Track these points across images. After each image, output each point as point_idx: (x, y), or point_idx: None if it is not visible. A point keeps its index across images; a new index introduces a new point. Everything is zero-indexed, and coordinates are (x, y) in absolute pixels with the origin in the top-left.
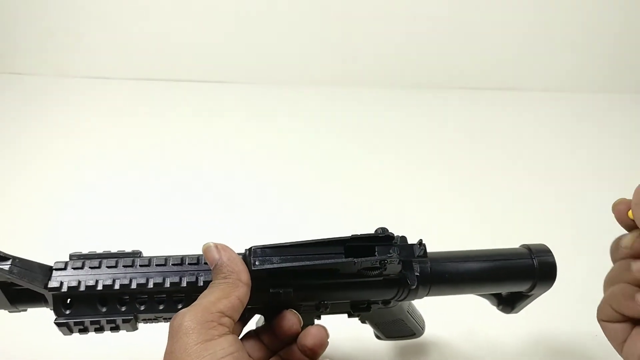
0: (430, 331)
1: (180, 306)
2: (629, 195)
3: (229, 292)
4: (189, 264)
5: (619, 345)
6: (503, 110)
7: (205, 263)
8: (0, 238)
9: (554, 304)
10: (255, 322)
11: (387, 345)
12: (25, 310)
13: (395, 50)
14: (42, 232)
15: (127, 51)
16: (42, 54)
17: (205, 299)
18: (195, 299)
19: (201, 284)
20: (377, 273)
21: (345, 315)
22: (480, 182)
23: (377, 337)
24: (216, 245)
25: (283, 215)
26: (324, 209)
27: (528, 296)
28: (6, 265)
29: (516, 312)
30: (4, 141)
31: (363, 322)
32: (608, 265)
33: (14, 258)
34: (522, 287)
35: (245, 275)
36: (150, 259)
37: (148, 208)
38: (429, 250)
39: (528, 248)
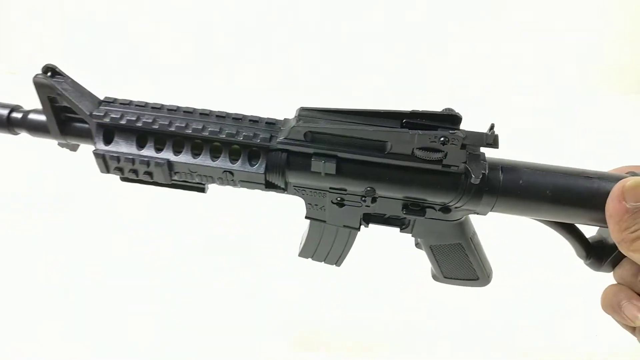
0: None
1: (215, 162)
2: None
3: None
4: (233, 118)
5: None
6: None
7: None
8: None
9: None
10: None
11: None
12: (75, 148)
13: None
14: None
15: (128, 51)
16: (42, 54)
17: None
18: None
19: (240, 137)
20: (436, 158)
21: (397, 230)
22: None
23: (434, 277)
24: None
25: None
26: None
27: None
28: (61, 80)
29: (607, 271)
30: (4, 141)
31: (417, 245)
32: None
33: (70, 78)
34: None
35: None
36: (195, 109)
37: None
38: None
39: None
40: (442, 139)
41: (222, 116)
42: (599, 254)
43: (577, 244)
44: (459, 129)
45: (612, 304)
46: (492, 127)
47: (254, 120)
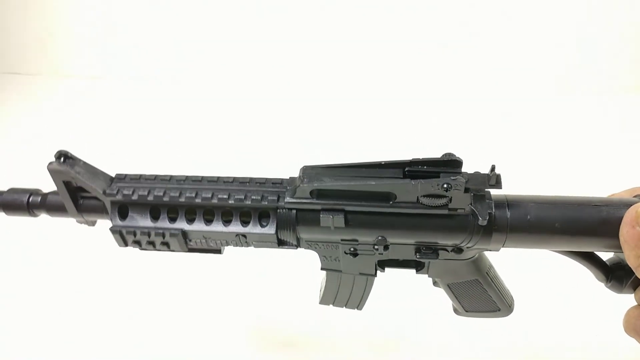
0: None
1: (228, 227)
2: None
3: None
4: (240, 182)
5: None
6: None
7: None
8: None
9: None
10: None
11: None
12: (93, 224)
13: None
14: None
15: (126, 51)
16: (42, 54)
17: None
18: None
19: (249, 201)
20: (441, 204)
21: (413, 271)
22: None
23: (455, 311)
24: None
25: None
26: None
27: None
28: (74, 163)
29: (629, 293)
30: (4, 140)
31: (435, 283)
32: None
33: (82, 160)
34: None
35: None
36: (203, 177)
37: None
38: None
39: None
40: (444, 185)
41: (229, 181)
42: (619, 276)
43: (595, 269)
44: (460, 173)
45: (635, 327)
46: (493, 168)
47: (261, 182)
